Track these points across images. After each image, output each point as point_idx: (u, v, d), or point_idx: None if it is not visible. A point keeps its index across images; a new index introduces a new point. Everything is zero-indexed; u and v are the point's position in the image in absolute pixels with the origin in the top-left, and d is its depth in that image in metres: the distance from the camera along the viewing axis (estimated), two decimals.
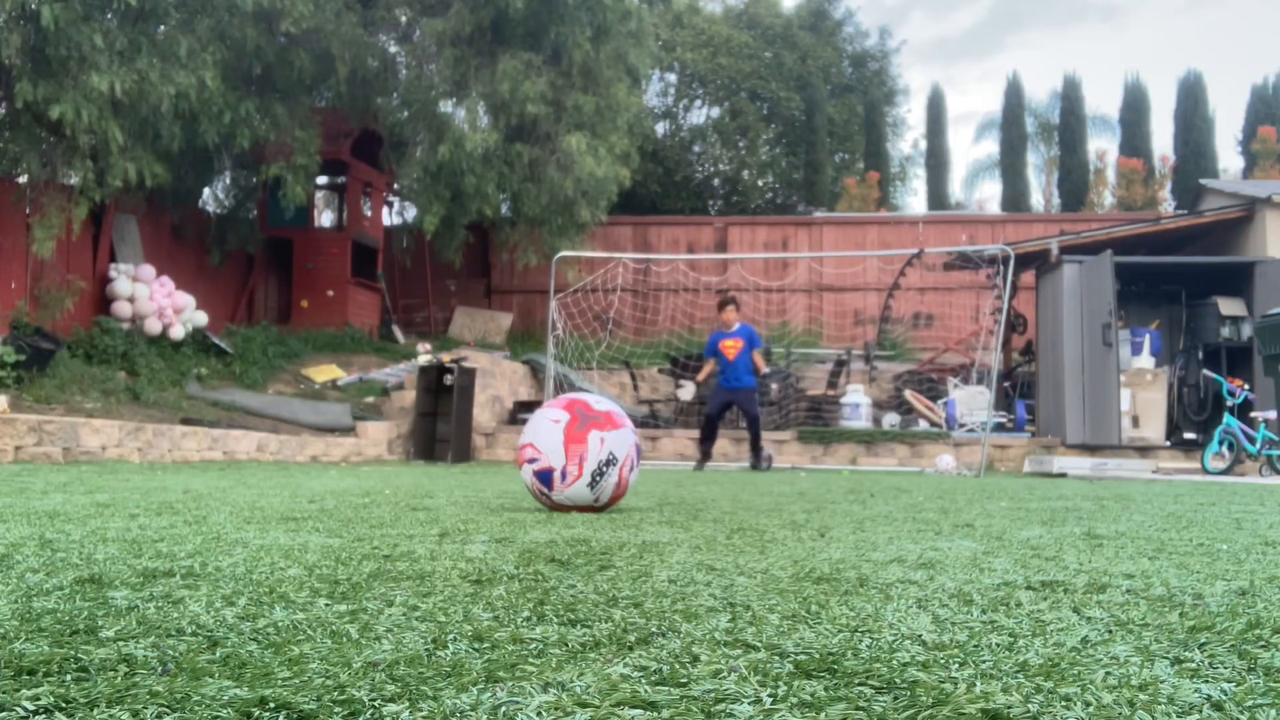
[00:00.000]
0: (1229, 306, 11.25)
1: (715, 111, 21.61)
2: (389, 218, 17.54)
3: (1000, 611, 1.29)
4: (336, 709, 0.81)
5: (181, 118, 9.60)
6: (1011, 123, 20.65)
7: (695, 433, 11.53)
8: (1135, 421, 11.02)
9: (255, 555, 1.78)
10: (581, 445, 2.94)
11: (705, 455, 9.43)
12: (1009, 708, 0.83)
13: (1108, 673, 0.95)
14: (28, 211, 9.62)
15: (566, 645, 1.05)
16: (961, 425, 11.38)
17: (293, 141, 11.43)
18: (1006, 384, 12.64)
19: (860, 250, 16.19)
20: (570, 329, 12.60)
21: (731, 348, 9.03)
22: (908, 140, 24.66)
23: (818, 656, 1.01)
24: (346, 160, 14.55)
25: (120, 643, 1.03)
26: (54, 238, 9.19)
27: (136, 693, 0.84)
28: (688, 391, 11.19)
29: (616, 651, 1.03)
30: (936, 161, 21.95)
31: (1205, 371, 10.89)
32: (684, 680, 0.91)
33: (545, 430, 3.00)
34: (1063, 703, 0.84)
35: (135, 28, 9.19)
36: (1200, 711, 0.83)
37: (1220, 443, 9.30)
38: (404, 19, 13.24)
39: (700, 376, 9.74)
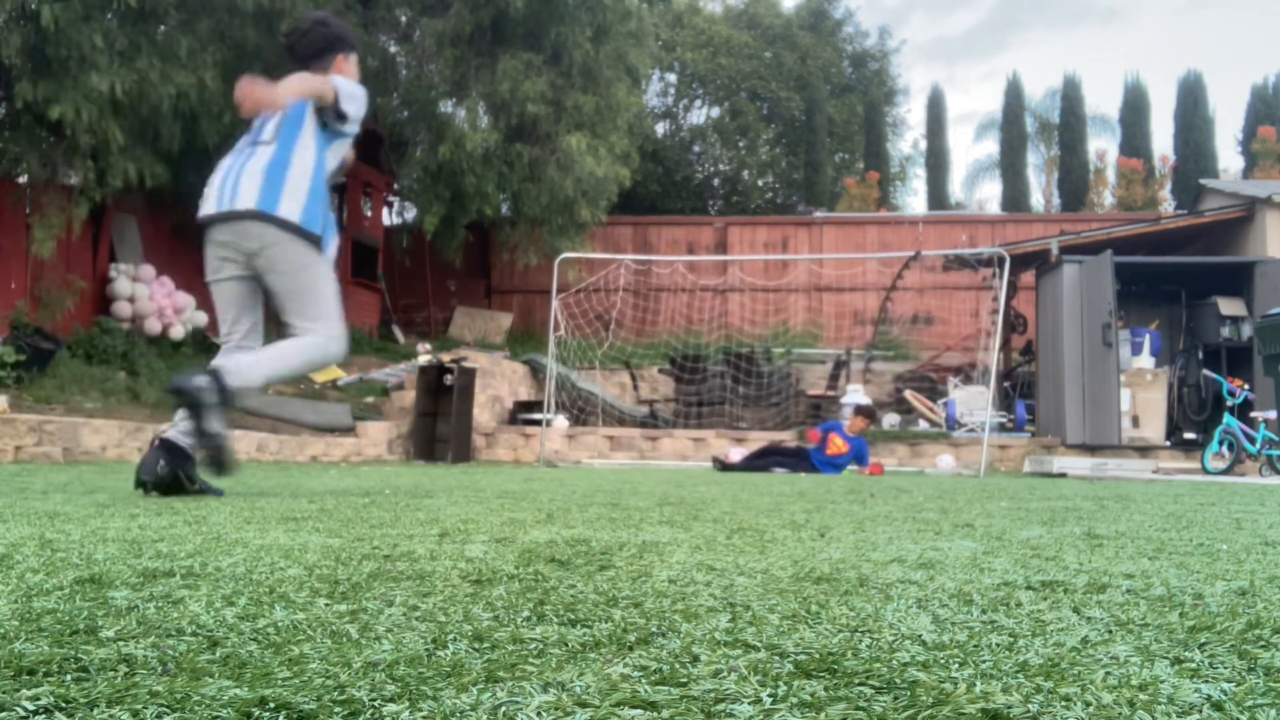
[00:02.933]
0: (1229, 306, 11.24)
1: (715, 111, 21.62)
2: (389, 218, 17.56)
3: (1000, 611, 1.29)
4: (336, 709, 0.81)
5: (181, 118, 9.60)
6: (1011, 123, 20.65)
7: (695, 432, 11.55)
8: (1135, 421, 11.02)
9: (255, 555, 1.78)
10: None
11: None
12: (1009, 708, 0.83)
13: (1108, 673, 0.95)
14: (28, 211, 9.62)
15: (566, 645, 1.06)
16: (961, 425, 11.38)
17: None
18: (1006, 384, 12.64)
19: (860, 250, 16.19)
20: (571, 329, 12.60)
21: (836, 446, 9.02)
22: (908, 140, 24.71)
23: (818, 656, 1.01)
24: None
25: (120, 643, 1.03)
26: (54, 238, 9.19)
27: (136, 693, 0.85)
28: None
29: (616, 651, 1.03)
30: (936, 161, 21.94)
31: (1205, 371, 10.88)
32: (684, 680, 0.91)
33: None
34: (1063, 703, 0.84)
35: (135, 28, 9.18)
36: (1200, 711, 0.83)
37: (1220, 443, 9.29)
38: (404, 19, 13.24)
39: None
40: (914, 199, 24.11)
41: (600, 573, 1.62)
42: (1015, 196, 20.27)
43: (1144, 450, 10.59)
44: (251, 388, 3.38)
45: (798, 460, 9.07)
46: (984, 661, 1.00)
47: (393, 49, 13.44)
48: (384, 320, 15.76)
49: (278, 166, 3.43)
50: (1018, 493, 4.91)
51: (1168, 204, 18.79)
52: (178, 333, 11.17)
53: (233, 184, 3.43)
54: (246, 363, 3.40)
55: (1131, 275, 11.31)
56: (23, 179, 9.57)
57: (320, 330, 3.46)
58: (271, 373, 3.43)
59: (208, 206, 3.49)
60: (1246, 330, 11.00)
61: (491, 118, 12.68)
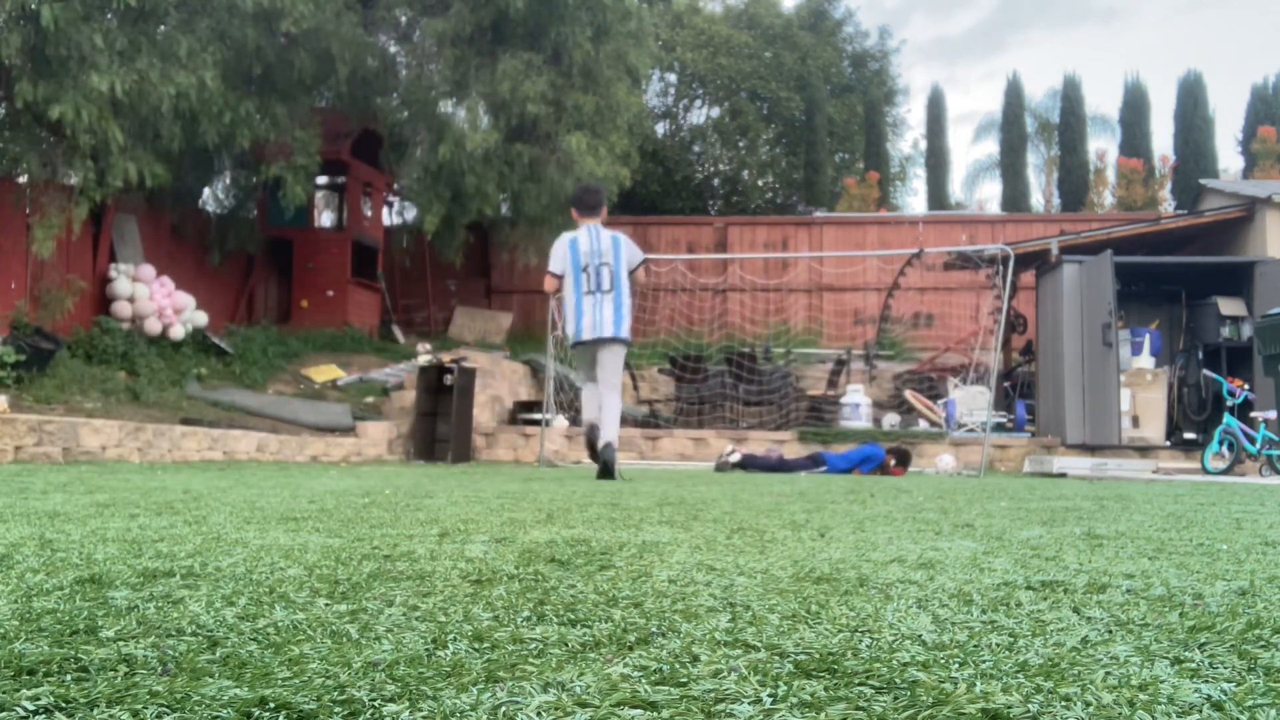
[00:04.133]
0: (1229, 306, 11.24)
1: (715, 111, 21.61)
2: (389, 218, 17.54)
3: (1000, 611, 1.29)
4: (336, 709, 0.81)
5: (181, 118, 9.60)
6: (1011, 123, 20.64)
7: (695, 432, 11.55)
8: (1135, 421, 11.02)
9: (255, 555, 1.78)
10: None
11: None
12: (1009, 708, 0.83)
13: (1108, 673, 0.95)
14: (28, 211, 9.62)
15: (566, 645, 1.06)
16: (961, 425, 11.38)
17: (293, 141, 11.42)
18: (1006, 384, 12.64)
19: (860, 250, 16.18)
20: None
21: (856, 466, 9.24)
22: (908, 140, 24.68)
23: (818, 656, 1.01)
24: (346, 160, 14.54)
25: (120, 643, 1.03)
26: (54, 238, 9.18)
27: (136, 693, 0.85)
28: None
29: (616, 651, 1.03)
30: (936, 161, 21.94)
31: (1205, 371, 10.87)
32: (684, 680, 0.91)
33: None
34: (1063, 703, 0.84)
35: (135, 28, 9.18)
36: (1200, 711, 0.83)
37: (1220, 443, 9.29)
38: (404, 19, 13.24)
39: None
40: (914, 199, 24.12)
41: (600, 573, 1.62)
42: (1015, 196, 20.27)
43: (1144, 450, 10.59)
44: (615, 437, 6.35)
45: (811, 465, 9.14)
46: (984, 661, 1.00)
47: (393, 49, 13.44)
48: (384, 320, 15.75)
49: (622, 307, 6.50)
50: (1018, 493, 4.91)
51: (1168, 204, 18.79)
52: (178, 333, 11.17)
53: (600, 320, 6.44)
54: (609, 424, 6.35)
55: (1131, 275, 11.30)
56: (23, 179, 9.57)
57: (619, 390, 6.56)
58: (617, 424, 6.42)
59: (587, 334, 6.47)
60: (1246, 330, 10.99)
61: (491, 118, 12.67)
